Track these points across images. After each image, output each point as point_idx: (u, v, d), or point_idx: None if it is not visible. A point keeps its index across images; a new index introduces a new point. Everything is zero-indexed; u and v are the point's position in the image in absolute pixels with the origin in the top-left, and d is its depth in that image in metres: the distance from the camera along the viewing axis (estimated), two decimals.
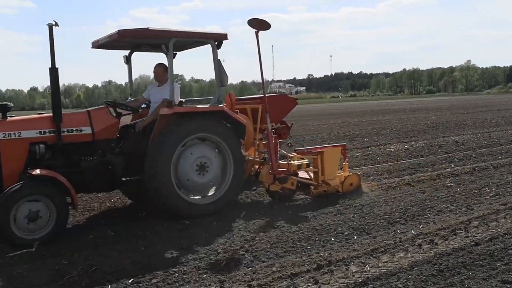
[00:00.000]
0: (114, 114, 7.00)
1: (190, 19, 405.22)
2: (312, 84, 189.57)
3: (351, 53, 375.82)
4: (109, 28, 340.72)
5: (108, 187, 7.09)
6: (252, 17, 7.11)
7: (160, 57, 7.62)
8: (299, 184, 7.76)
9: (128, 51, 7.88)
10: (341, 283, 4.48)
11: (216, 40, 7.16)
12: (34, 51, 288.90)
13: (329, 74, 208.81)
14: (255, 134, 8.15)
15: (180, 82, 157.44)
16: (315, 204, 7.47)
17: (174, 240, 5.94)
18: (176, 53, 7.62)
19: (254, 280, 4.57)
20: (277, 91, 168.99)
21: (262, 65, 7.45)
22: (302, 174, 7.90)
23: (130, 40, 7.17)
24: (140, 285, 4.55)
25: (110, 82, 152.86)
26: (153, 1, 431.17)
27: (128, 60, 7.89)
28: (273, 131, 7.81)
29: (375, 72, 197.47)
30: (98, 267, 5.04)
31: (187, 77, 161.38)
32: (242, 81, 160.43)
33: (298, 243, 5.65)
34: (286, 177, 7.37)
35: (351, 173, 8.24)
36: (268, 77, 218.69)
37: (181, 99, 7.29)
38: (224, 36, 7.19)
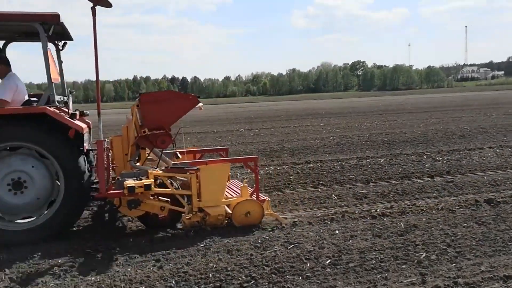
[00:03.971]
0: None
1: (375, 2, 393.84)
2: None
3: None
4: (294, 18, 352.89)
5: None
6: None
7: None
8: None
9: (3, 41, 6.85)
10: None
11: (43, 22, 5.72)
12: (229, 43, 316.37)
13: None
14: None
15: (362, 69, 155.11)
16: None
17: (367, 226, 5.91)
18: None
19: (460, 277, 4.25)
20: (469, 76, 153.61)
21: (97, 47, 5.79)
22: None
23: None
24: (338, 267, 4.62)
25: (294, 70, 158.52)
26: None
27: (2, 51, 6.77)
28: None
29: None
30: (296, 245, 5.28)
31: (369, 64, 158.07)
32: (429, 66, 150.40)
33: (509, 244, 5.07)
34: (138, 201, 5.77)
35: (248, 199, 6.15)
36: (459, 60, 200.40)
37: (33, 98, 6.28)
38: (54, 18, 5.69)
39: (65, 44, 6.87)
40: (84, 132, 5.88)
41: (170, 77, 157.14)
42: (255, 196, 6.30)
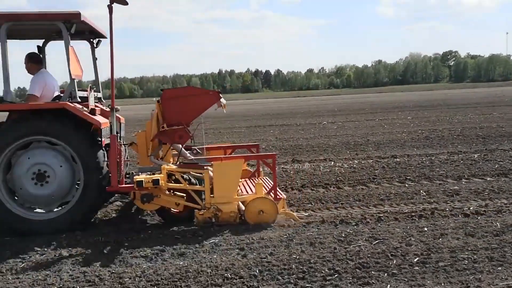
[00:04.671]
0: None
1: None
2: None
3: None
4: (382, 6, 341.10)
5: None
6: None
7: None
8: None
9: (43, 40, 7.22)
10: None
11: (66, 21, 5.97)
12: (313, 35, 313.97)
13: None
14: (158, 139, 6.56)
15: (454, 59, 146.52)
16: None
17: (459, 224, 5.61)
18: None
19: None
20: None
21: (113, 44, 5.83)
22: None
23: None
24: (427, 265, 4.43)
25: (380, 61, 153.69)
26: None
27: (41, 50, 7.11)
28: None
29: None
30: (382, 241, 5.14)
31: (462, 54, 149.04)
32: None
33: None
34: (151, 195, 5.86)
35: (261, 197, 5.94)
36: None
37: (60, 94, 6.44)
38: (75, 16, 5.94)
39: (99, 41, 7.20)
40: (102, 127, 6.07)
41: (254, 70, 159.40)
42: (272, 194, 6.17)
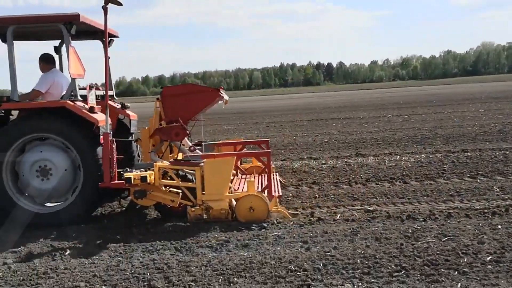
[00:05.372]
0: None
1: None
2: None
3: None
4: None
5: None
6: None
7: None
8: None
9: (59, 41, 7.42)
10: None
11: (66, 23, 6.21)
12: (376, 26, 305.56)
13: None
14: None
15: None
16: None
17: None
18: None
19: None
20: None
21: (107, 44, 6.42)
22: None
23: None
24: (501, 265, 4.21)
25: (449, 52, 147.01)
26: None
27: (57, 50, 7.40)
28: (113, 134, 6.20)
29: None
30: (452, 238, 4.94)
31: None
32: None
33: None
34: (144, 192, 5.92)
35: (251, 194, 5.89)
36: None
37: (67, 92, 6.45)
38: (75, 17, 6.19)
39: (111, 41, 7.40)
40: (99, 124, 6.18)
41: (315, 63, 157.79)
42: (267, 191, 6.16)
